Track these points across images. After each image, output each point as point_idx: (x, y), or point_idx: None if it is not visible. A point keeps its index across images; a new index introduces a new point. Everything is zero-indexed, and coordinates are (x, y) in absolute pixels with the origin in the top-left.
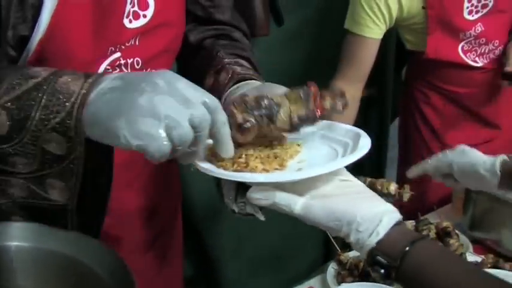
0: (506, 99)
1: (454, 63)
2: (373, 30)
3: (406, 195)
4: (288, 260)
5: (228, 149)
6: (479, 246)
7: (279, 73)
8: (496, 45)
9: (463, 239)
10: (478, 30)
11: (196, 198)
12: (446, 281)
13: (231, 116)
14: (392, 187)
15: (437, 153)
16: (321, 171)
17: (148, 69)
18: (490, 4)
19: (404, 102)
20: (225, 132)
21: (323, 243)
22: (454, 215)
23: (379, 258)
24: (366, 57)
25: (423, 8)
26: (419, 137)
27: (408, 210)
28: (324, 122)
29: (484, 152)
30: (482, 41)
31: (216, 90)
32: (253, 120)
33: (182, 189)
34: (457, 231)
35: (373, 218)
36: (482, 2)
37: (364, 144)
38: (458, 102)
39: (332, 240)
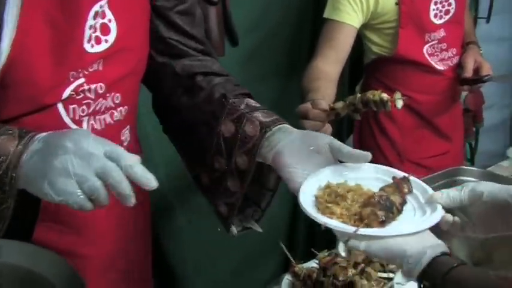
0: (457, 112)
1: (420, 64)
2: (351, 17)
3: (399, 101)
4: (249, 273)
5: (144, 183)
6: None
7: None
8: (454, 53)
9: None
10: (441, 34)
11: (160, 217)
12: None
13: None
14: (384, 95)
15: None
16: (412, 230)
17: (113, 94)
18: (452, 12)
19: (362, 116)
20: (135, 173)
21: (284, 257)
22: None
23: (425, 282)
24: (345, 43)
25: (396, 4)
26: (378, 149)
27: None
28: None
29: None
30: (444, 46)
31: (243, 141)
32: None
33: None
34: None
35: (420, 252)
36: (446, 7)
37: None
38: (417, 112)
39: (287, 253)
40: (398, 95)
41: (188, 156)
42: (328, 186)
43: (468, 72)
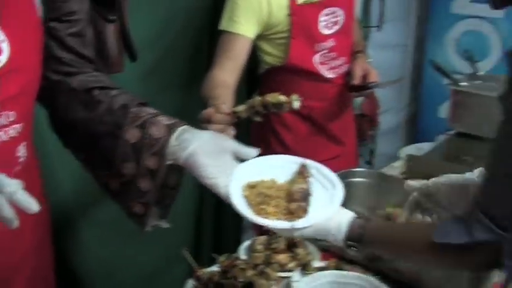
0: (349, 118)
1: (311, 72)
2: (246, 28)
3: (296, 102)
4: (158, 279)
5: (27, 207)
6: (326, 253)
7: None
8: (343, 61)
9: (311, 248)
10: (330, 44)
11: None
12: (391, 238)
13: None
14: (282, 97)
15: None
16: (319, 219)
17: (6, 112)
18: (340, 23)
19: (257, 124)
20: (17, 199)
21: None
22: None
23: (349, 243)
24: (241, 53)
25: (288, 15)
26: (272, 153)
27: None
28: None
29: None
30: (333, 55)
31: (151, 144)
32: None
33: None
34: (305, 242)
35: (339, 223)
36: (334, 19)
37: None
38: (309, 118)
39: (190, 259)
40: (295, 96)
41: (94, 167)
42: (253, 186)
43: (356, 80)
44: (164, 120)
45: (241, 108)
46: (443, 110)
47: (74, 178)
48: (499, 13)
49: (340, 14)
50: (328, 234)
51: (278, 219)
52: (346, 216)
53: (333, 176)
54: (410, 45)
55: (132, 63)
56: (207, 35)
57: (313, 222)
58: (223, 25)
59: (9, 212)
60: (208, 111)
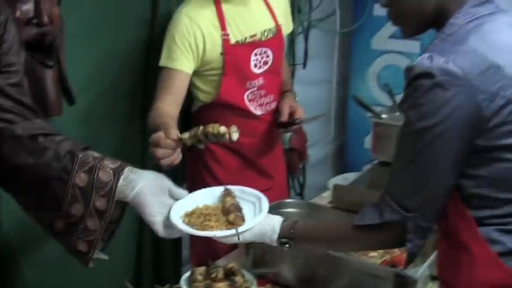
0: (278, 153)
1: (241, 109)
2: (184, 64)
3: (235, 134)
4: None
5: None
6: (263, 280)
7: None
8: (271, 99)
9: (248, 276)
10: (260, 82)
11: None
12: (316, 231)
13: None
14: (222, 128)
15: None
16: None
17: None
18: (269, 63)
19: (191, 159)
20: None
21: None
22: (239, 257)
23: (282, 241)
24: (181, 87)
25: (221, 54)
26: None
27: (202, 258)
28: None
29: None
30: (263, 93)
31: (100, 187)
32: None
33: None
34: (242, 270)
35: (272, 226)
36: (265, 59)
37: (266, 203)
38: (240, 153)
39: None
40: (234, 128)
41: (38, 209)
42: (191, 213)
43: (284, 117)
44: (110, 164)
45: (186, 135)
46: (368, 142)
47: (15, 219)
48: (415, 48)
49: (270, 54)
50: (265, 236)
51: (222, 230)
52: (277, 220)
53: (256, 191)
54: (335, 81)
55: (70, 107)
56: (142, 75)
57: (252, 225)
58: (163, 62)
59: None
60: (158, 135)
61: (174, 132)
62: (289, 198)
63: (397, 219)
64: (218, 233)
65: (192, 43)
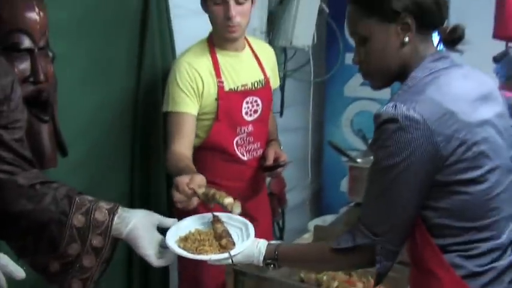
0: (263, 197)
1: (229, 153)
2: (190, 106)
3: (237, 209)
4: None
5: (17, 275)
6: None
7: None
8: (258, 146)
9: None
10: (249, 129)
11: None
12: (297, 252)
13: None
14: (227, 201)
15: None
16: (246, 245)
17: None
18: (259, 112)
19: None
20: (10, 270)
21: None
22: None
23: (267, 262)
24: (190, 130)
25: (216, 99)
26: None
27: None
28: (224, 214)
29: None
30: (251, 139)
31: (96, 226)
32: None
33: None
34: None
35: (258, 248)
36: (255, 107)
37: (252, 229)
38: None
39: None
40: (237, 203)
41: (35, 252)
42: (185, 238)
43: (269, 161)
44: (105, 205)
45: (200, 191)
46: (344, 185)
47: None
48: (385, 94)
49: (260, 103)
50: (253, 257)
51: (215, 253)
52: (263, 243)
53: (242, 219)
54: (310, 127)
55: (63, 158)
56: (130, 124)
57: (242, 249)
58: (169, 107)
59: (3, 280)
60: (182, 179)
61: (196, 181)
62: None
63: (367, 243)
64: (213, 257)
65: (194, 87)
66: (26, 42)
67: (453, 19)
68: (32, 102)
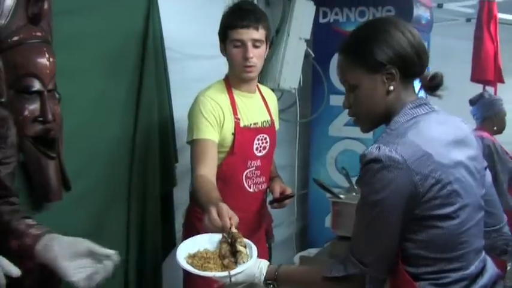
0: (262, 229)
1: (238, 184)
2: (213, 133)
3: (245, 259)
4: None
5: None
6: None
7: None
8: (263, 180)
9: None
10: (258, 163)
11: None
12: (297, 274)
13: None
14: (242, 249)
15: None
16: (246, 266)
17: None
18: (267, 148)
19: (185, 234)
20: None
21: None
22: None
23: (268, 282)
24: (214, 155)
25: (232, 134)
26: None
27: None
28: None
29: None
30: (258, 173)
31: (24, 250)
32: None
33: None
34: None
35: (259, 268)
36: (264, 144)
37: (255, 250)
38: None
39: None
40: (246, 256)
41: None
42: (193, 255)
43: (276, 194)
44: (34, 231)
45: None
46: (329, 221)
47: None
48: (368, 134)
49: (268, 141)
50: (254, 277)
51: (218, 271)
52: (264, 263)
53: (248, 240)
54: (296, 165)
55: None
56: (128, 162)
57: (242, 269)
58: (194, 136)
59: (2, 279)
60: (213, 215)
61: (226, 217)
62: None
63: (357, 272)
64: (217, 274)
65: (217, 117)
66: (37, 85)
67: (436, 62)
68: (40, 140)
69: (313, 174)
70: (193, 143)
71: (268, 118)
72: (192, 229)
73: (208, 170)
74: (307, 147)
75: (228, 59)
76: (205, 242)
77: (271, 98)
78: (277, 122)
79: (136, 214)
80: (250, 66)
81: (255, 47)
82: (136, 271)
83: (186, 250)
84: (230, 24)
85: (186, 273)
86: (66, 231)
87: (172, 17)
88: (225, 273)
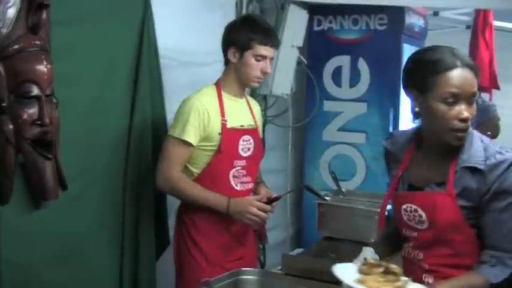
0: (248, 233)
1: (224, 182)
2: (195, 138)
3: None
4: None
5: None
6: None
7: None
8: (250, 180)
9: None
10: (244, 163)
11: None
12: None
13: None
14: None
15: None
16: None
17: None
18: (251, 150)
19: (177, 234)
20: None
21: None
22: None
23: None
24: (186, 157)
25: (220, 134)
26: (192, 257)
27: None
28: None
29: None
30: (244, 173)
31: None
32: None
33: None
34: None
35: None
36: (248, 146)
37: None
38: (227, 229)
39: None
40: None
41: None
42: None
43: (263, 198)
44: None
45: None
46: None
47: None
48: (361, 139)
49: (252, 143)
50: None
51: None
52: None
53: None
54: (290, 170)
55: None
56: (122, 164)
57: None
58: (176, 133)
59: None
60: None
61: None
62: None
63: None
64: None
65: (201, 123)
66: (35, 91)
67: None
68: (38, 142)
69: (307, 178)
70: (174, 140)
71: (253, 122)
72: (182, 227)
73: (181, 172)
74: (301, 151)
75: (239, 66)
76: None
77: (256, 107)
78: (260, 128)
79: (130, 214)
80: (261, 79)
81: (271, 59)
82: (131, 270)
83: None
84: (260, 40)
85: (179, 271)
86: (63, 230)
87: (167, 26)
88: None
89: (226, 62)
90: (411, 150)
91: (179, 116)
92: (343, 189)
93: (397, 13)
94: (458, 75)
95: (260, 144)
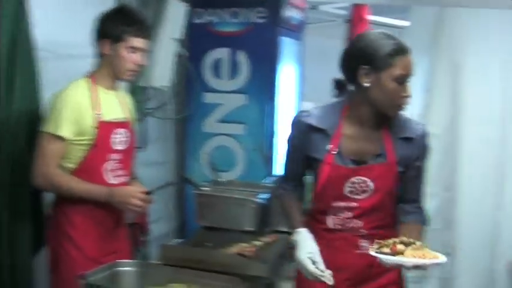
0: (122, 217)
1: (99, 175)
2: (68, 132)
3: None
4: None
5: None
6: None
7: None
8: (125, 173)
9: None
10: (118, 157)
11: None
12: None
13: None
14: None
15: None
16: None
17: None
18: (126, 144)
19: (52, 230)
20: None
21: None
22: None
23: None
24: (62, 152)
25: (94, 127)
26: (67, 254)
27: None
28: None
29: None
30: (119, 166)
31: None
32: None
33: None
34: None
35: None
36: (123, 139)
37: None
38: (102, 223)
39: None
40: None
41: None
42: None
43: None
44: None
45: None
46: None
47: None
48: (239, 130)
49: (126, 136)
50: None
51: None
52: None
53: None
54: (171, 162)
55: None
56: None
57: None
58: (51, 129)
59: None
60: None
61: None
62: None
63: None
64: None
65: (74, 117)
66: None
67: (312, 62)
68: None
69: (188, 170)
70: (48, 136)
71: (128, 115)
72: (57, 222)
73: (58, 168)
74: (181, 143)
75: (111, 59)
76: None
77: (128, 99)
78: (133, 121)
79: (3, 213)
80: (136, 71)
81: (146, 52)
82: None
83: None
84: (131, 31)
85: (54, 268)
86: None
87: (43, 18)
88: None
89: (99, 54)
90: (341, 126)
91: (52, 110)
92: (223, 180)
93: (276, 6)
94: (410, 60)
95: (134, 139)
